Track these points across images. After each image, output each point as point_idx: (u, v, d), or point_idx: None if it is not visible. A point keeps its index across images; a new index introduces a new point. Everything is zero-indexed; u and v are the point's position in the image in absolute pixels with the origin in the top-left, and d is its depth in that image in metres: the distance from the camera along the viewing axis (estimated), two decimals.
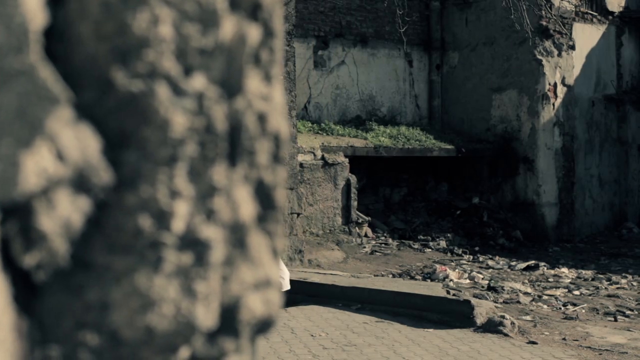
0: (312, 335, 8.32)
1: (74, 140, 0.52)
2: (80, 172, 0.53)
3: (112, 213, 0.54)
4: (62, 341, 0.55)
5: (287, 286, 9.61)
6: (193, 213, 0.57)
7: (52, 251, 0.53)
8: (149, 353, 0.57)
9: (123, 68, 0.53)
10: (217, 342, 0.60)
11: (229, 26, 0.57)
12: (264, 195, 0.61)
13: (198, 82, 0.56)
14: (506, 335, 8.37)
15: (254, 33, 0.60)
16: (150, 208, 0.55)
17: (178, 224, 0.56)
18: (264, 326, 0.63)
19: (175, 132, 0.55)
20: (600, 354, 7.84)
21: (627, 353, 7.89)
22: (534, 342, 8.15)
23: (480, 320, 8.67)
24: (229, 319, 0.60)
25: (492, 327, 8.51)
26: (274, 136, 0.61)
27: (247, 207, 0.60)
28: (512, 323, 8.60)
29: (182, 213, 0.56)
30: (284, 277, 9.60)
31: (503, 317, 8.66)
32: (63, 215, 0.52)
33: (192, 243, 0.57)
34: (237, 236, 0.59)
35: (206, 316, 0.58)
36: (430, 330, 8.59)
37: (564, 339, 8.42)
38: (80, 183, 0.53)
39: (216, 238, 0.58)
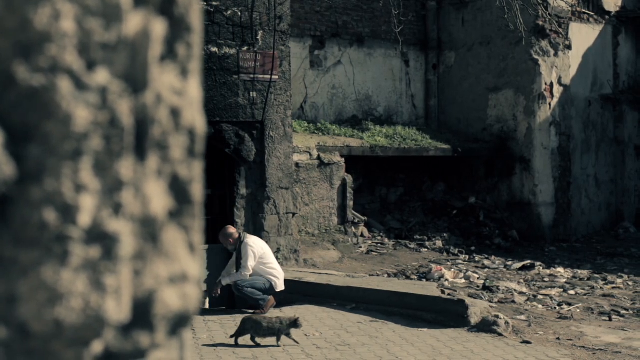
0: (306, 335, 8.31)
1: None
2: None
3: (17, 207, 0.55)
4: None
5: (281, 287, 9.63)
6: (100, 207, 0.57)
7: None
8: (59, 346, 0.57)
9: (25, 63, 0.53)
10: (131, 336, 0.60)
11: (133, 21, 0.57)
12: (179, 189, 0.61)
13: (101, 76, 0.56)
14: (500, 334, 8.36)
15: (159, 28, 0.60)
16: (55, 202, 0.55)
17: (84, 218, 0.56)
18: (181, 320, 0.63)
19: (79, 126, 0.55)
20: (594, 354, 7.83)
21: (620, 353, 7.89)
22: (527, 342, 8.14)
23: (474, 319, 8.66)
24: (143, 313, 0.60)
25: (486, 326, 8.50)
26: (189, 131, 0.62)
27: (159, 201, 0.60)
28: (507, 323, 8.60)
29: (88, 207, 0.56)
30: (279, 277, 9.61)
31: (497, 316, 8.66)
32: None
33: (100, 237, 0.57)
34: (148, 230, 0.60)
35: (117, 310, 0.58)
36: (425, 329, 8.59)
37: (558, 338, 8.41)
38: None
39: (125, 232, 0.58)
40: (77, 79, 0.56)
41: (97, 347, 0.60)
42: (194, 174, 0.63)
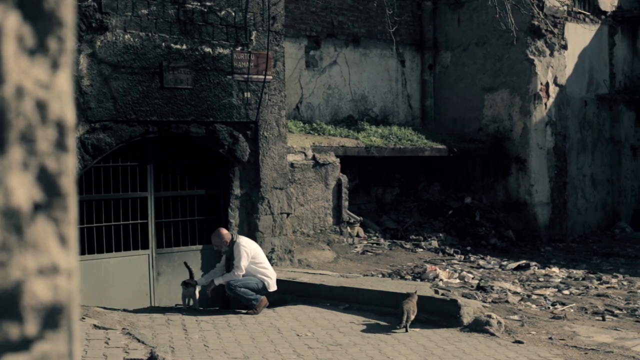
0: (298, 335, 8.31)
1: None
2: None
3: None
4: None
5: (274, 287, 9.63)
6: None
7: None
8: None
9: None
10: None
11: None
12: (47, 182, 0.62)
13: None
14: (492, 334, 8.35)
15: (14, 22, 0.60)
16: None
17: None
18: (54, 312, 0.63)
19: None
20: (586, 353, 7.81)
21: (612, 352, 7.87)
22: (520, 342, 8.13)
23: (467, 319, 8.66)
24: (10, 305, 0.61)
25: (479, 326, 8.50)
26: (57, 124, 0.62)
27: (23, 193, 0.61)
28: (499, 322, 8.59)
29: None
30: (271, 277, 9.61)
31: (490, 316, 8.65)
32: None
33: None
34: (12, 222, 0.60)
35: None
36: (417, 329, 8.58)
37: (550, 338, 8.40)
38: None
39: None
40: None
41: None
42: (64, 166, 0.63)
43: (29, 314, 0.63)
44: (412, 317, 8.44)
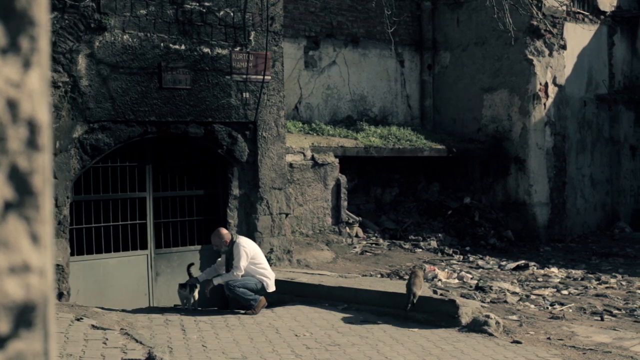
0: (296, 335, 8.31)
1: None
2: None
3: None
4: None
5: (272, 287, 9.63)
6: None
7: None
8: None
9: None
10: None
11: None
12: (19, 181, 0.62)
13: None
14: (491, 334, 8.35)
15: None
16: None
17: None
18: (27, 310, 0.64)
19: None
20: (584, 353, 7.81)
21: (611, 352, 7.87)
22: (518, 342, 8.13)
23: (465, 319, 8.66)
24: None
25: (477, 326, 8.50)
26: (28, 122, 0.62)
27: None
28: (497, 322, 8.59)
29: None
30: (270, 277, 9.61)
31: (488, 316, 8.65)
32: None
33: None
34: None
35: None
36: (415, 329, 8.59)
37: (548, 338, 8.40)
38: None
39: None
40: None
41: None
42: (35, 165, 0.63)
43: (0, 312, 0.63)
44: (419, 293, 8.78)
